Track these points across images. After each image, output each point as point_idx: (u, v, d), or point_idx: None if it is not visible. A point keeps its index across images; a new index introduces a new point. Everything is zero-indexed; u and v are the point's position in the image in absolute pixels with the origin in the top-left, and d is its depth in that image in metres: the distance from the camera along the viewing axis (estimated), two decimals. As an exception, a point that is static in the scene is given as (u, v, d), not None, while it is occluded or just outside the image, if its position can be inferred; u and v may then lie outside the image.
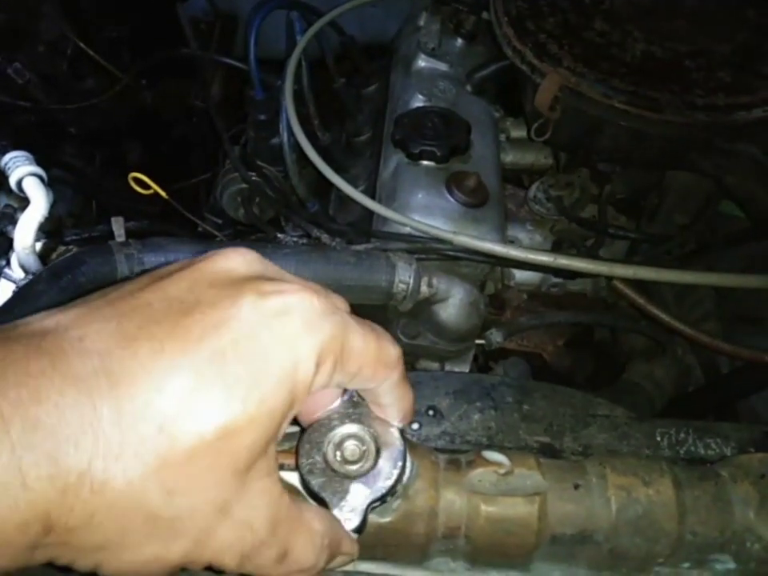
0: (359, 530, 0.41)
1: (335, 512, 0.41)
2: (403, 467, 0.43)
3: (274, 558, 0.36)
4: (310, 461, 0.42)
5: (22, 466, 0.28)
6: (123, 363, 0.31)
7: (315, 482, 0.41)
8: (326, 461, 0.42)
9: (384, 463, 0.42)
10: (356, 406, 0.43)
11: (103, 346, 0.31)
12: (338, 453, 0.42)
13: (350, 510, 0.41)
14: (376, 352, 0.38)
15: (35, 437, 0.28)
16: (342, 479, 0.42)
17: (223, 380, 0.32)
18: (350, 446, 0.42)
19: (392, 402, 0.42)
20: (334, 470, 0.42)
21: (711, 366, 0.97)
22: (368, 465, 0.42)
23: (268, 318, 0.34)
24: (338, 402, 0.43)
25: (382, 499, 0.42)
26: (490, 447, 0.56)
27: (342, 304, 0.40)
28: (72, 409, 0.29)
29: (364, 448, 0.42)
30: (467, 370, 0.94)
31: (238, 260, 0.37)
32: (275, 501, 0.36)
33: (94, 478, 0.30)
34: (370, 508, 0.42)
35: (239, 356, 0.33)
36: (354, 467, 0.42)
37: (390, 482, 0.42)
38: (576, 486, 0.48)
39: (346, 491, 0.41)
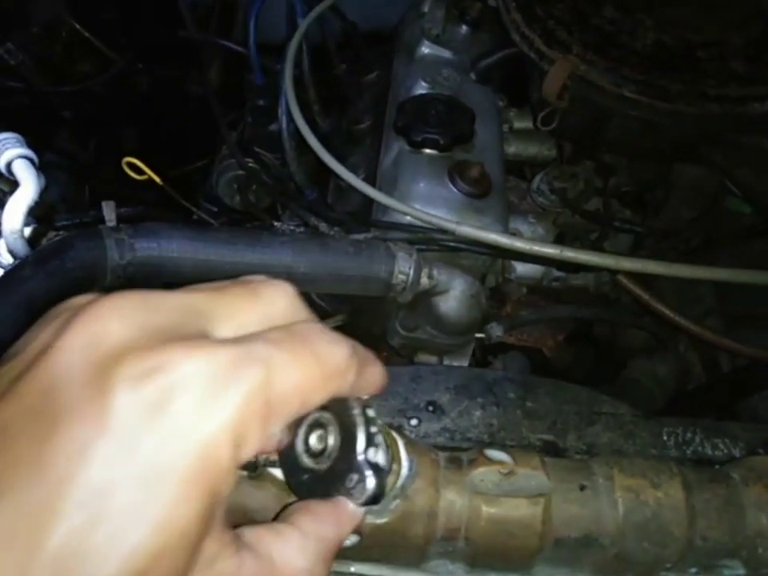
0: (380, 490, 0.34)
1: (352, 499, 0.34)
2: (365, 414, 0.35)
3: None
4: (293, 476, 0.37)
5: None
6: None
7: (306, 490, 0.36)
8: (302, 465, 0.36)
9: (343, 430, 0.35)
10: None
11: None
12: (307, 448, 0.35)
13: (356, 482, 0.34)
14: (319, 370, 0.30)
15: None
16: (323, 466, 0.35)
17: (110, 521, 0.25)
18: (315, 436, 0.36)
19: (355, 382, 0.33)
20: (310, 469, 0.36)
21: (712, 363, 0.95)
22: (335, 446, 0.35)
23: (149, 413, 0.26)
24: None
25: (372, 441, 0.35)
26: (491, 445, 0.54)
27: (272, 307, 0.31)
28: None
29: (327, 435, 0.35)
30: (467, 365, 0.92)
31: (111, 319, 0.28)
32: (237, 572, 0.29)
33: None
34: (372, 465, 0.35)
35: (122, 482, 0.25)
36: (326, 454, 0.35)
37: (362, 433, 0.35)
38: (582, 487, 0.46)
39: (340, 473, 0.35)
